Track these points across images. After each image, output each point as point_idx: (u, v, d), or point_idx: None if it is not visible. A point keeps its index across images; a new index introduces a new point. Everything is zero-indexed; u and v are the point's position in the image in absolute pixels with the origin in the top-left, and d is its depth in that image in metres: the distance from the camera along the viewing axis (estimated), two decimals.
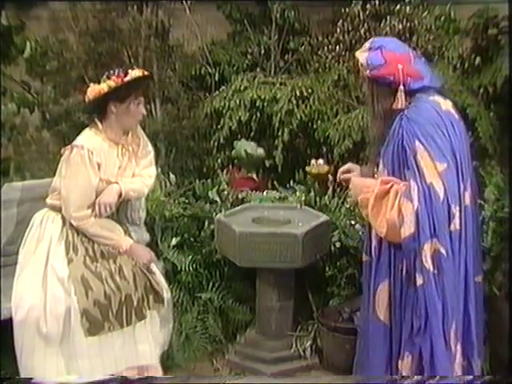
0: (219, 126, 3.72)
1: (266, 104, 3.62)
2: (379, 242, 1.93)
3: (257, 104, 3.63)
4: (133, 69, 2.31)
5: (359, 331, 2.08)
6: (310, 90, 3.56)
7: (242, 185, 3.16)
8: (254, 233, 2.40)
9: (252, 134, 3.71)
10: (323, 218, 2.57)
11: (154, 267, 2.47)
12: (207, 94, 3.93)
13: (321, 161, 2.91)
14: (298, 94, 3.56)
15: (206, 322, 2.65)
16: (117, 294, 2.22)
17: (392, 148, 1.87)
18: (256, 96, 3.63)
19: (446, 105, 1.86)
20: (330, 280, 2.67)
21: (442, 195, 1.77)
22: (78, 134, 2.33)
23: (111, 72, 2.26)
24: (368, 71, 1.88)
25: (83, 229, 2.27)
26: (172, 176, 3.02)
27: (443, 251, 1.77)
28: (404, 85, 1.84)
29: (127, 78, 2.24)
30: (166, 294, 2.44)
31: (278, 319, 2.60)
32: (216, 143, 3.75)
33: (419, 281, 1.78)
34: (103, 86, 2.24)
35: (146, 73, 2.31)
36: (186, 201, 2.87)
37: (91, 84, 2.29)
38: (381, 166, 1.92)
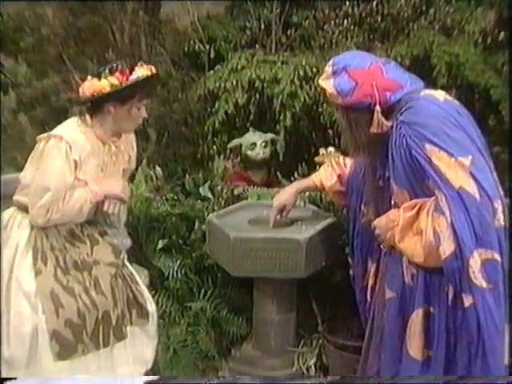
0: (214, 110, 3.53)
1: (265, 85, 3.44)
2: (411, 273, 1.74)
3: (256, 85, 3.45)
4: (138, 64, 2.02)
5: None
6: (314, 70, 3.36)
7: (238, 179, 2.94)
8: (249, 238, 2.17)
9: (251, 118, 3.50)
10: (331, 219, 2.32)
11: (136, 276, 2.23)
12: (201, 74, 3.75)
13: (331, 148, 2.71)
14: (301, 73, 3.36)
15: (196, 336, 2.47)
16: (92, 311, 1.99)
17: (400, 165, 1.68)
18: (255, 76, 3.45)
19: (441, 95, 1.71)
20: (337, 289, 2.43)
21: (477, 195, 1.57)
22: (59, 121, 2.10)
23: (114, 66, 1.99)
24: (340, 99, 1.71)
25: (52, 221, 2.00)
26: (158, 169, 2.78)
27: (497, 256, 1.57)
28: (382, 103, 1.68)
29: (133, 77, 1.98)
30: (151, 306, 2.22)
31: (277, 333, 2.41)
32: (211, 128, 3.55)
33: (467, 302, 1.58)
34: (104, 85, 1.98)
35: (153, 70, 2.04)
36: (175, 197, 2.67)
37: (89, 77, 2.00)
38: (395, 189, 1.72)
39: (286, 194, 2.24)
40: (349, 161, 2.14)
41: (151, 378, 1.99)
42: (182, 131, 3.64)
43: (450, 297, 1.66)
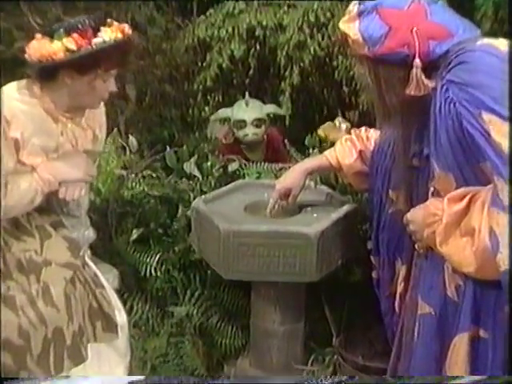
0: (205, 64, 3.43)
1: (268, 33, 3.34)
2: (456, 285, 1.55)
3: (256, 33, 3.34)
4: (106, 22, 1.69)
5: None
6: (328, 15, 3.25)
7: (232, 152, 2.70)
8: (245, 231, 1.93)
9: (250, 73, 3.43)
10: (350, 205, 2.10)
11: (101, 279, 1.99)
12: (189, 20, 3.64)
13: (339, 119, 2.63)
14: (311, 19, 3.24)
15: (180, 348, 2.32)
16: (39, 328, 1.73)
17: (446, 139, 1.47)
18: (255, 22, 3.32)
19: (504, 45, 1.47)
20: (356, 292, 2.25)
21: None
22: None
23: (72, 23, 1.67)
24: (367, 49, 1.52)
25: None
26: (132, 139, 2.56)
27: None
28: (424, 55, 1.47)
29: (97, 41, 1.68)
30: (121, 316, 1.99)
31: (281, 347, 2.21)
32: (201, 87, 3.44)
33: None
34: (57, 49, 1.67)
35: (127, 31, 1.73)
36: (153, 175, 2.46)
37: (38, 36, 1.68)
38: (437, 172, 1.51)
39: (291, 175, 2.06)
40: (374, 133, 1.94)
41: (136, 378, 1.83)
42: (166, 90, 3.50)
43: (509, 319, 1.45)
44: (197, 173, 2.42)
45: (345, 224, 2.05)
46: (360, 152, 1.96)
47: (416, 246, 1.66)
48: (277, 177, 2.39)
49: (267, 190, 2.21)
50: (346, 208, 2.08)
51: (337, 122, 2.74)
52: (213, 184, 2.38)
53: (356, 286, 2.26)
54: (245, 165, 2.48)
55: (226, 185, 2.33)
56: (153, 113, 3.71)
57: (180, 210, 2.33)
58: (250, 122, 2.79)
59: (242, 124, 2.79)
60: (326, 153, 2.05)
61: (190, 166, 2.41)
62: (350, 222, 2.08)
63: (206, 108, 3.60)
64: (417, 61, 1.46)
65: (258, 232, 1.94)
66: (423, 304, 1.63)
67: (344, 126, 2.74)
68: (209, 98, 3.69)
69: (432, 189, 1.58)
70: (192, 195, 2.33)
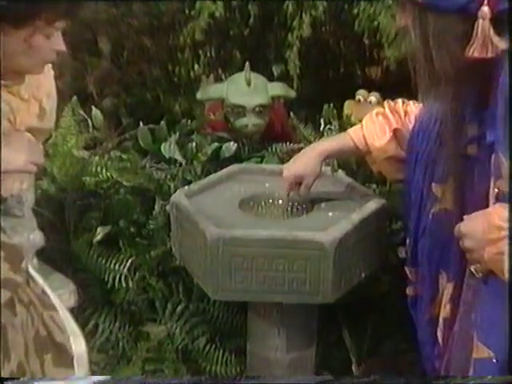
0: (194, 12, 3.25)
1: None
2: None
3: None
4: None
5: None
6: None
7: (222, 127, 2.51)
8: (240, 238, 1.73)
9: (250, 23, 3.29)
10: (377, 200, 1.90)
11: (52, 297, 1.74)
12: None
13: (361, 91, 2.49)
14: None
15: (159, 378, 2.09)
16: None
17: None
18: None
19: None
20: (383, 308, 2.11)
21: None
22: None
23: None
24: None
25: None
26: (96, 112, 2.37)
27: None
28: (494, 2, 1.31)
29: None
30: (78, 345, 1.72)
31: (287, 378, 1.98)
32: (188, 40, 3.30)
33: None
34: None
35: None
36: (124, 157, 2.25)
37: None
38: (504, 170, 1.34)
39: (303, 160, 1.88)
40: (414, 107, 1.76)
41: (102, 377, 1.69)
42: (145, 44, 3.38)
43: None
44: (178, 156, 2.22)
45: (370, 226, 1.84)
46: (395, 131, 1.77)
47: (472, 269, 1.45)
48: (283, 161, 2.21)
49: (270, 179, 2.05)
50: (372, 205, 1.87)
51: (359, 96, 2.54)
52: (199, 171, 2.20)
53: (383, 302, 2.13)
54: (242, 144, 2.28)
55: (215, 172, 2.13)
56: (131, 71, 3.57)
57: (157, 205, 2.15)
58: (251, 108, 2.42)
59: (239, 110, 2.42)
60: (350, 131, 1.86)
61: (169, 148, 2.22)
62: (377, 223, 1.88)
63: (196, 66, 3.43)
64: (484, 9, 1.29)
65: (257, 239, 1.73)
66: (480, 345, 1.44)
67: (374, 98, 2.53)
68: (200, 53, 3.53)
69: (496, 190, 1.37)
70: (172, 185, 2.15)
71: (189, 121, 2.38)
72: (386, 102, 1.83)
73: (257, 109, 2.41)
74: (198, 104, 3.56)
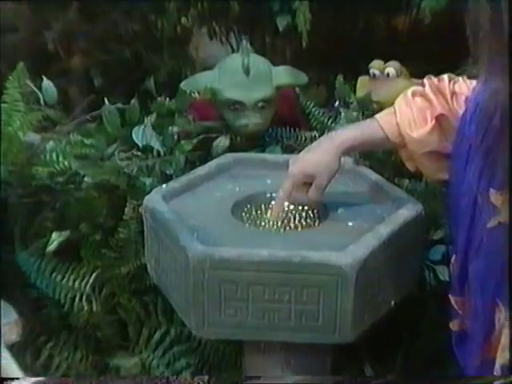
0: None
1: None
2: None
3: None
4: None
5: None
6: None
7: (208, 112, 2.35)
8: (232, 259, 1.58)
9: None
10: (411, 205, 1.75)
11: None
12: None
13: (375, 63, 2.32)
14: None
15: None
16: None
17: None
18: None
19: None
20: (414, 341, 1.98)
21: None
22: None
23: None
24: None
25: None
26: (47, 82, 2.18)
27: None
28: None
29: None
30: None
31: None
32: None
33: None
34: None
35: None
36: (87, 141, 2.10)
37: None
38: None
39: (316, 154, 1.74)
40: (464, 85, 1.63)
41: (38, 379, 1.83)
42: None
43: None
44: (155, 143, 2.06)
45: (403, 240, 1.68)
46: (439, 118, 1.61)
47: None
48: (287, 150, 2.08)
49: (273, 174, 1.90)
50: (405, 212, 1.70)
51: (373, 70, 2.35)
52: (182, 163, 2.03)
53: (417, 335, 1.98)
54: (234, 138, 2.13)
55: (203, 163, 1.99)
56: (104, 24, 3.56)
57: (129, 206, 1.99)
58: (252, 104, 2.24)
59: (236, 107, 2.24)
60: (379, 117, 1.70)
61: (143, 132, 2.06)
62: (412, 235, 1.72)
63: (183, 20, 3.38)
64: None
65: (255, 260, 1.56)
66: None
67: (392, 70, 2.32)
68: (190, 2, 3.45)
69: None
70: (148, 182, 1.98)
71: (167, 99, 2.21)
72: (426, 79, 1.65)
73: (259, 104, 2.23)
74: (188, 65, 3.42)
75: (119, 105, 2.10)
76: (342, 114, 2.21)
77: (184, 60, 3.71)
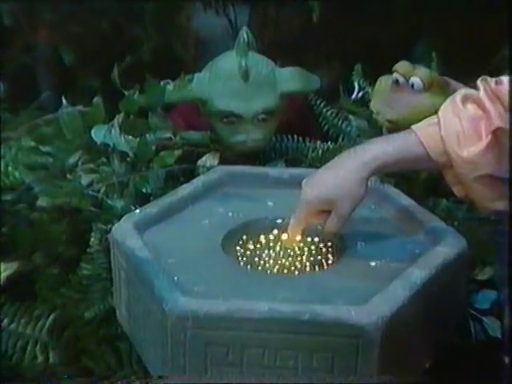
0: None
1: None
2: None
3: None
4: None
5: None
6: None
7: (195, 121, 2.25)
8: (221, 315, 1.43)
9: None
10: (451, 240, 1.62)
11: None
12: None
13: (402, 66, 2.07)
14: None
15: None
16: None
17: None
18: None
19: None
20: None
21: None
22: None
23: None
24: None
25: None
26: None
27: None
28: None
29: None
30: None
31: None
32: None
33: None
34: None
35: None
36: (42, 149, 1.99)
37: None
38: None
39: (336, 175, 1.61)
40: None
41: None
42: None
43: None
44: (125, 147, 1.92)
45: (441, 286, 1.55)
46: (496, 133, 1.47)
47: None
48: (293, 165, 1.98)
49: (275, 193, 1.81)
50: (443, 250, 1.55)
51: (397, 76, 2.10)
52: (161, 180, 1.90)
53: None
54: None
55: (188, 179, 1.86)
56: None
57: (94, 237, 1.86)
58: (251, 117, 2.10)
59: (232, 121, 2.10)
60: (417, 128, 1.55)
61: (109, 135, 1.92)
62: (452, 278, 1.59)
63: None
64: None
65: (251, 317, 1.41)
66: None
67: (418, 81, 2.06)
68: None
69: None
70: (119, 205, 1.86)
71: (136, 93, 2.05)
72: (480, 80, 1.51)
73: (259, 116, 2.08)
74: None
75: (80, 107, 1.95)
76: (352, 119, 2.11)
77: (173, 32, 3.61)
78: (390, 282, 1.48)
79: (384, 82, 2.08)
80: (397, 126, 1.87)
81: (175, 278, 1.48)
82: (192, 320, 1.39)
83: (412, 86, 1.98)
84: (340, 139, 2.11)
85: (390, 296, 1.43)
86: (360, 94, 2.28)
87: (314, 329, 1.41)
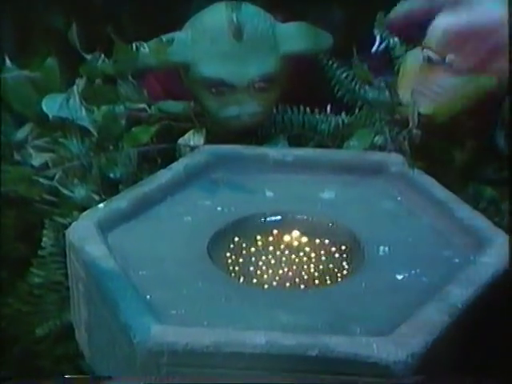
0: None
1: None
2: None
3: None
4: None
5: None
6: None
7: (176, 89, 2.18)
8: (205, 353, 1.32)
9: None
10: (499, 243, 1.54)
11: None
12: None
13: None
14: None
15: None
16: None
17: None
18: None
19: None
20: None
21: None
22: None
23: None
24: None
25: None
26: None
27: None
28: None
29: None
30: None
31: None
32: None
33: None
34: None
35: None
36: None
37: None
38: None
39: None
40: None
41: None
42: None
43: None
44: (87, 121, 1.84)
45: (486, 307, 1.43)
46: None
47: None
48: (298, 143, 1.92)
49: (274, 180, 1.71)
50: (491, 261, 1.45)
51: (429, 53, 1.97)
52: (133, 162, 1.82)
53: None
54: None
55: (167, 162, 1.76)
56: None
57: (48, 236, 1.76)
58: (246, 85, 2.00)
59: (221, 89, 2.01)
60: None
61: (66, 106, 1.83)
62: (498, 298, 1.45)
63: None
64: None
65: (244, 353, 1.30)
66: None
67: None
68: None
69: None
70: (79, 194, 1.78)
71: (102, 56, 1.94)
72: None
73: (256, 85, 1.97)
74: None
75: (26, 72, 1.84)
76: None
77: None
78: (423, 303, 1.35)
79: (412, 59, 1.97)
80: (433, 121, 1.77)
81: (148, 297, 1.35)
82: (168, 355, 1.28)
83: (450, 64, 1.87)
84: (357, 109, 2.00)
85: (422, 323, 1.31)
86: (382, 46, 2.17)
87: (324, 368, 1.29)
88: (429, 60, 1.86)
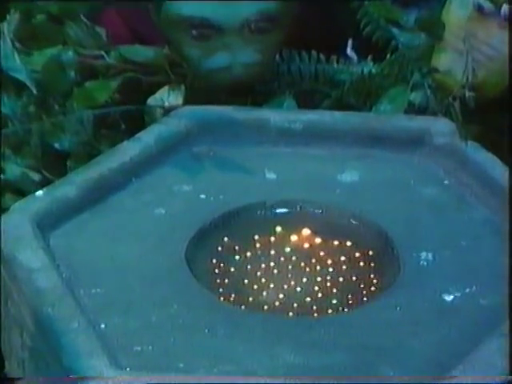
0: None
1: None
2: None
3: None
4: None
5: None
6: None
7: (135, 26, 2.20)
8: None
9: None
10: None
11: None
12: None
13: None
14: None
15: None
16: None
17: None
18: None
19: None
20: None
21: None
22: None
23: None
24: None
25: None
26: None
27: None
28: None
29: None
30: None
31: None
32: None
33: None
34: None
35: None
36: None
37: None
38: None
39: None
40: None
41: None
42: None
43: None
44: (23, 72, 1.77)
45: None
46: None
47: None
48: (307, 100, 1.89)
49: (278, 154, 1.65)
50: None
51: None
52: (87, 130, 1.75)
53: None
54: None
55: (131, 130, 1.68)
56: None
57: None
58: (238, 27, 1.90)
59: (206, 33, 1.90)
60: None
61: None
62: None
63: None
64: None
65: None
66: None
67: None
68: None
69: None
70: (12, 176, 1.71)
71: None
72: None
73: (252, 25, 1.86)
74: None
75: None
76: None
77: None
78: (481, 335, 1.23)
79: (458, 4, 1.84)
80: (481, 92, 1.67)
81: (102, 327, 1.22)
82: None
83: (505, 17, 1.75)
84: (388, 54, 1.85)
85: (482, 364, 1.18)
86: None
87: None
88: (479, 8, 1.77)
